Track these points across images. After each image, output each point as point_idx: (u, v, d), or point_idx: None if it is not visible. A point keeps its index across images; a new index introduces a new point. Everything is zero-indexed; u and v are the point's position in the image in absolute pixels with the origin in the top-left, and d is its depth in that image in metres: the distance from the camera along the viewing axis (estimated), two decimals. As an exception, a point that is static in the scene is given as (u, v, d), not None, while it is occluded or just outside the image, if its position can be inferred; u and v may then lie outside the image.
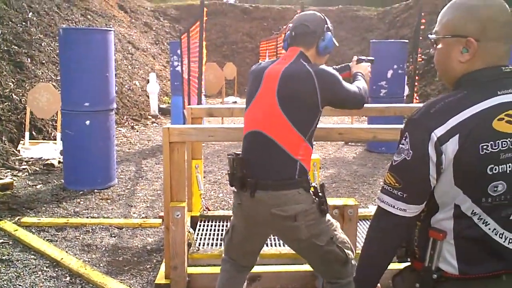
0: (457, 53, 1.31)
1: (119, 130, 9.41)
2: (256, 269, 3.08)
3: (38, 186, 5.52)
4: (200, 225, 3.93)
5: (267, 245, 3.55)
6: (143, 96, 12.27)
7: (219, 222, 4.00)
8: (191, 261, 3.24)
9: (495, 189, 1.23)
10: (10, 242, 3.89)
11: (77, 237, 4.05)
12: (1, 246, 3.82)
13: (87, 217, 4.54)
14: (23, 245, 3.84)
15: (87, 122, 5.27)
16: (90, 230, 4.19)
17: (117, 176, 5.94)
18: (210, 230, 3.86)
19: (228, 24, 19.87)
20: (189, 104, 6.39)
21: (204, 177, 5.98)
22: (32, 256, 3.65)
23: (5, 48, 8.52)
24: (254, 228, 2.29)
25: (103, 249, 3.84)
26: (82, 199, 5.09)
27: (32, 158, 6.55)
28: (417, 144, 1.26)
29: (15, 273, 3.38)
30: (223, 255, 2.53)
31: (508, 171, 1.22)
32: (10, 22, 9.29)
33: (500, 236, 1.26)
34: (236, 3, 25.37)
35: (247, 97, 2.29)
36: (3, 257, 3.61)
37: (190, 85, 6.47)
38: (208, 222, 4.00)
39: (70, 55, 5.21)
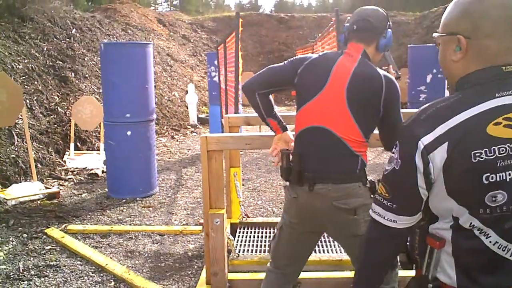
0: (451, 52, 1.23)
1: (160, 140, 9.63)
2: (296, 275, 3.12)
3: (83, 195, 5.72)
4: (239, 232, 3.97)
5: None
6: (182, 106, 12.51)
7: (259, 229, 4.02)
8: (231, 268, 3.27)
9: (494, 199, 1.12)
10: (58, 249, 4.04)
11: (121, 244, 4.16)
12: (49, 252, 3.97)
13: (130, 224, 4.66)
14: (69, 251, 3.98)
15: (128, 133, 5.42)
16: (133, 237, 4.30)
17: (158, 184, 6.07)
18: (250, 236, 3.89)
19: (264, 34, 20.04)
20: (226, 113, 6.47)
21: (242, 185, 6.04)
22: (79, 262, 3.77)
23: (50, 64, 8.88)
24: (307, 225, 2.23)
25: (146, 255, 3.93)
26: (125, 207, 5.23)
27: (77, 168, 6.79)
28: (405, 153, 1.20)
29: (63, 278, 3.50)
30: (268, 264, 2.47)
31: (508, 179, 1.11)
32: (55, 39, 9.69)
33: (504, 249, 1.16)
34: (272, 13, 25.54)
35: (305, 90, 2.18)
36: (51, 263, 3.75)
37: (227, 94, 6.56)
38: (248, 228, 4.03)
39: (111, 69, 5.39)
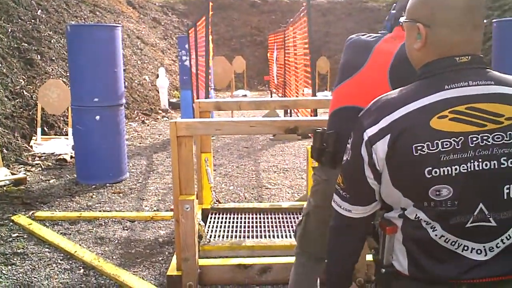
0: (414, 40, 1.21)
1: (130, 125, 9.49)
2: (267, 260, 3.15)
3: (51, 181, 5.60)
4: (211, 218, 3.97)
5: (278, 237, 3.59)
6: (153, 90, 12.34)
7: (230, 215, 4.04)
8: (202, 253, 3.28)
9: (438, 193, 1.10)
10: (25, 236, 3.96)
11: (90, 230, 4.11)
12: (16, 240, 3.89)
13: (100, 211, 4.60)
14: (37, 239, 3.90)
15: (97, 117, 5.32)
16: (103, 224, 4.25)
17: (129, 170, 6.00)
18: (221, 222, 3.89)
19: (236, 18, 19.86)
20: (197, 98, 6.42)
21: (214, 170, 6.02)
22: (47, 249, 3.71)
23: (15, 46, 8.60)
24: None
25: (116, 242, 3.89)
26: (94, 193, 5.16)
27: (44, 153, 6.64)
28: (354, 144, 1.22)
29: (30, 265, 3.44)
30: (295, 249, 2.39)
31: (453, 174, 1.09)
32: (20, 20, 9.36)
33: (452, 243, 1.14)
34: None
35: (344, 69, 2.11)
36: (19, 250, 3.68)
37: (198, 79, 6.50)
38: (219, 214, 4.04)
39: (78, 52, 5.26)
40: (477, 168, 1.09)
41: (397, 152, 1.12)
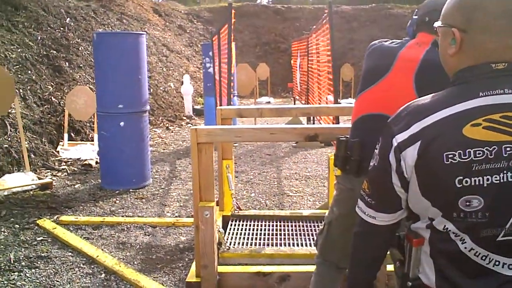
0: (447, 45, 1.17)
1: (154, 131, 9.61)
2: (286, 269, 3.12)
3: (76, 186, 5.70)
4: (231, 225, 3.97)
5: (298, 245, 3.57)
6: (177, 97, 12.47)
7: (250, 222, 4.02)
8: (222, 260, 3.27)
9: (468, 203, 1.06)
10: (49, 240, 4.04)
11: (113, 235, 4.16)
12: (40, 244, 3.96)
13: (122, 216, 4.66)
14: (61, 243, 3.97)
15: (121, 124, 5.40)
16: (125, 229, 4.30)
17: (152, 176, 6.06)
18: (241, 229, 3.89)
19: (260, 25, 19.95)
20: (220, 104, 6.46)
21: (236, 177, 6.05)
22: (70, 254, 3.77)
23: (44, 53, 8.81)
24: None
25: (137, 247, 3.93)
26: (118, 199, 5.23)
27: (70, 158, 6.77)
28: (382, 150, 1.19)
29: (54, 269, 3.50)
30: (316, 258, 2.37)
31: (485, 185, 1.04)
32: (49, 28, 9.61)
33: (482, 258, 1.10)
34: (268, 4, 25.42)
35: (367, 76, 2.07)
36: (42, 254, 3.75)
37: (221, 86, 6.54)
38: (239, 221, 4.03)
39: (103, 59, 5.36)
40: (510, 179, 1.05)
41: (427, 160, 1.09)
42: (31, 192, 5.26)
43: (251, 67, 11.38)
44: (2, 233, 4.15)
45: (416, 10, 2.18)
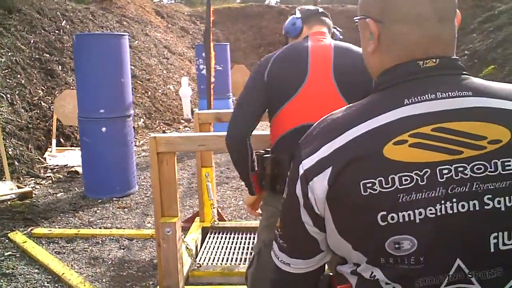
0: (367, 42, 0.92)
1: (149, 135, 9.36)
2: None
3: (58, 195, 5.47)
4: (209, 237, 3.71)
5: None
6: (177, 100, 12.22)
7: (230, 234, 3.76)
8: (192, 279, 3.02)
9: (397, 246, 0.79)
10: (17, 255, 3.80)
11: (86, 249, 3.91)
12: (8, 259, 3.72)
13: (100, 227, 4.41)
14: (29, 258, 3.73)
15: (103, 129, 5.16)
16: (100, 242, 4.04)
17: (139, 183, 5.82)
18: (219, 243, 3.62)
19: (264, 26, 19.67)
20: (211, 107, 6.20)
21: (226, 183, 5.79)
22: (36, 270, 3.52)
23: (37, 57, 8.63)
24: None
25: (109, 262, 3.67)
26: (99, 208, 4.98)
27: (57, 165, 6.54)
28: (290, 180, 0.92)
29: (15, 288, 3.26)
30: None
31: (417, 221, 0.78)
32: (43, 31, 9.42)
33: None
34: (271, 4, 25.17)
35: (281, 89, 1.82)
36: (7, 271, 3.51)
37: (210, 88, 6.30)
38: (218, 234, 3.77)
39: (83, 61, 5.12)
40: (450, 211, 0.78)
41: (341, 192, 0.82)
42: (9, 202, 5.02)
43: (252, 68, 11.07)
44: (-31, 247, 3.92)
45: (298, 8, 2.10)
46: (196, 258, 3.30)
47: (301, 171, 0.87)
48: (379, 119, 0.82)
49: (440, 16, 0.85)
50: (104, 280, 3.38)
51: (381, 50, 0.89)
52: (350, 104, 0.91)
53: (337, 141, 0.83)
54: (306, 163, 0.86)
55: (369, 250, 0.83)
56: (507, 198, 0.78)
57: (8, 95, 7.15)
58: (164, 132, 9.99)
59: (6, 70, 7.62)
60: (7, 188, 5.15)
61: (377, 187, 0.78)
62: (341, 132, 0.84)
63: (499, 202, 0.78)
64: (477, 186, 0.78)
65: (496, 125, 0.80)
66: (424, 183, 0.78)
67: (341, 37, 2.10)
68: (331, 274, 1.01)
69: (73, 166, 6.43)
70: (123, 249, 3.92)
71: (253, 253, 2.02)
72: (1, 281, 3.37)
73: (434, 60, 0.85)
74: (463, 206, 0.78)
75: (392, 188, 0.78)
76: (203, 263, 3.20)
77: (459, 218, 0.78)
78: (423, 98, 0.82)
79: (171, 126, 10.62)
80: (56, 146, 7.06)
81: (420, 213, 0.78)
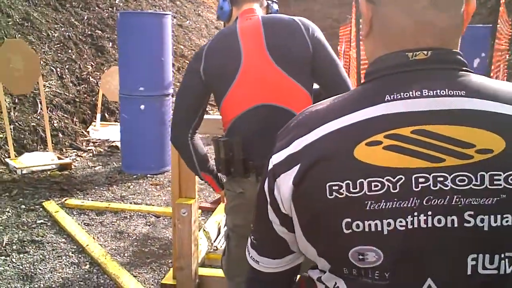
0: (363, 24, 0.81)
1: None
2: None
3: (96, 168, 5.62)
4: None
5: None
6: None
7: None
8: (208, 262, 3.02)
9: (361, 257, 0.72)
10: (49, 223, 3.94)
11: (113, 223, 4.00)
12: (39, 227, 3.87)
13: (131, 202, 4.50)
14: (59, 227, 3.86)
15: (142, 107, 5.23)
16: (128, 217, 4.12)
17: (175, 162, 5.88)
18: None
19: (317, 10, 19.31)
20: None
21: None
22: (63, 240, 3.64)
23: (89, 33, 8.84)
24: None
25: (134, 237, 3.74)
26: (133, 183, 5.08)
27: (99, 139, 6.72)
28: (264, 172, 0.85)
29: (41, 256, 3.38)
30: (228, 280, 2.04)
31: (385, 232, 0.69)
32: (97, 8, 9.64)
33: None
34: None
35: (220, 78, 1.79)
36: (37, 238, 3.65)
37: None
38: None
39: (126, 39, 5.19)
40: (423, 225, 0.69)
41: (306, 192, 0.75)
42: (48, 172, 5.22)
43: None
44: (6, 213, 4.10)
45: None
46: (215, 241, 3.30)
47: (270, 166, 0.81)
48: (355, 115, 0.73)
49: (433, 0, 0.73)
50: (126, 255, 3.45)
51: (374, 35, 0.80)
52: (338, 95, 0.82)
53: (309, 136, 0.76)
54: (276, 158, 0.80)
55: (333, 258, 0.77)
56: (492, 217, 0.68)
57: (58, 69, 7.38)
58: (207, 113, 10.06)
59: (58, 45, 7.86)
60: (49, 158, 5.35)
61: (343, 190, 0.71)
62: (315, 127, 0.76)
63: (482, 221, 0.68)
64: (457, 200, 0.68)
65: (488, 132, 0.69)
66: (396, 191, 0.69)
67: (277, 9, 1.99)
68: (304, 275, 0.94)
69: (114, 141, 6.58)
70: (149, 225, 3.98)
71: (224, 241, 2.04)
72: (30, 247, 3.51)
73: (425, 52, 0.74)
74: (439, 221, 0.69)
75: (360, 194, 0.70)
76: (221, 246, 3.20)
77: (433, 234, 0.69)
78: (406, 95, 0.72)
79: (214, 107, 10.67)
80: (100, 121, 7.24)
81: (388, 224, 0.69)
